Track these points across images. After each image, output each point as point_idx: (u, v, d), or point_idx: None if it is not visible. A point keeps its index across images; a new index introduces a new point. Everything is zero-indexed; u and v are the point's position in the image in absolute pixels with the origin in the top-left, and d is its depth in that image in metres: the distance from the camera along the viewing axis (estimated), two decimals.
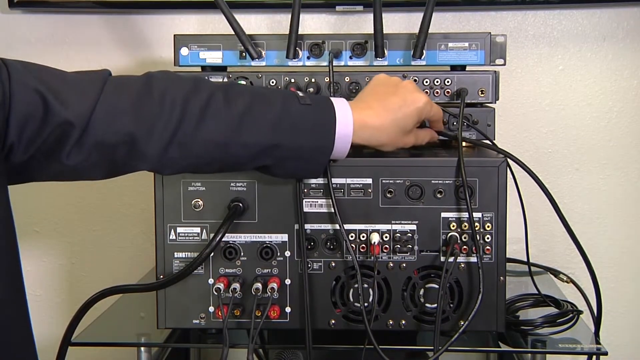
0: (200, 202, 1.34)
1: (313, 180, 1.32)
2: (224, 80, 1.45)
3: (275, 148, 1.24)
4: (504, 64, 1.46)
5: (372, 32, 1.43)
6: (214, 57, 1.47)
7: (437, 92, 1.43)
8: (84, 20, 1.93)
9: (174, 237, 1.35)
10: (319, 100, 1.29)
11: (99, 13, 1.93)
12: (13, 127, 1.15)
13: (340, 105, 1.27)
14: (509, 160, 1.31)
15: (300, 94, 1.29)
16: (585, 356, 1.42)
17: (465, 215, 1.31)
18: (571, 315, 1.46)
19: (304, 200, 1.32)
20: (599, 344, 1.38)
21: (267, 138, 1.24)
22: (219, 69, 1.48)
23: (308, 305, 1.32)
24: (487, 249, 1.32)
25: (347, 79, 1.44)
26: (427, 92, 1.42)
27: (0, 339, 1.14)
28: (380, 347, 1.24)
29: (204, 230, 1.35)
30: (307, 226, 1.34)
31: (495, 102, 1.44)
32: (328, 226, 1.34)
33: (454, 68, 1.46)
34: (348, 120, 1.26)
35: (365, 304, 1.31)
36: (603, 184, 1.91)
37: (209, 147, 1.24)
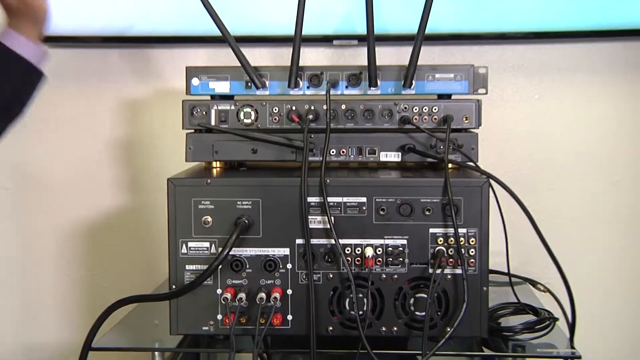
0: (210, 219, 1.33)
1: (312, 200, 1.31)
2: (231, 107, 1.45)
3: None
4: (486, 93, 1.45)
5: (366, 64, 1.43)
6: (222, 87, 1.47)
7: (426, 119, 1.43)
8: (103, 54, 1.94)
9: (186, 251, 1.35)
10: None
11: (118, 47, 1.93)
12: None
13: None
14: (490, 180, 1.31)
15: None
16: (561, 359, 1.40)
17: (451, 230, 1.30)
18: (548, 322, 1.45)
19: (307, 216, 1.31)
20: (574, 348, 1.38)
21: None
22: (227, 97, 1.47)
23: (314, 313, 1.31)
24: (472, 262, 1.31)
25: (343, 107, 1.44)
26: (416, 119, 1.42)
27: None
28: (373, 351, 1.24)
29: (213, 245, 1.34)
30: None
31: (478, 128, 1.44)
32: (326, 241, 1.33)
33: (440, 97, 1.46)
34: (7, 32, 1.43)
35: (360, 312, 1.31)
36: (576, 202, 1.92)
37: None
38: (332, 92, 1.43)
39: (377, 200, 1.32)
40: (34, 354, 1.99)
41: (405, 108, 1.43)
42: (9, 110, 1.42)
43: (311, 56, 1.81)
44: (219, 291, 1.34)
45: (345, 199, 1.32)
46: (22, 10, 1.42)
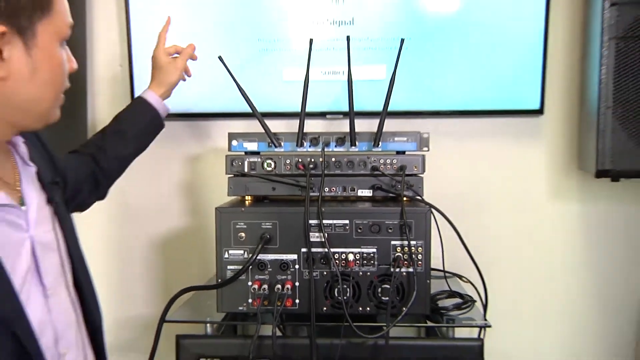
0: (243, 235, 1.33)
1: (313, 222, 1.31)
2: (258, 160, 1.43)
3: (136, 123, 1.42)
4: (428, 150, 1.44)
5: (348, 131, 1.43)
6: (252, 146, 1.46)
7: (388, 167, 1.41)
8: (176, 124, 1.91)
9: (227, 256, 1.33)
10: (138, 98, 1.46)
11: (184, 120, 1.91)
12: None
13: (145, 91, 1.45)
14: (432, 209, 1.32)
15: None
16: (478, 328, 1.39)
17: (406, 242, 1.30)
18: (469, 303, 1.46)
19: (309, 233, 1.31)
20: (486, 320, 1.38)
21: (127, 123, 1.41)
22: (255, 153, 1.45)
23: (314, 298, 1.30)
24: (419, 263, 1.30)
25: (333, 159, 1.42)
26: (382, 167, 1.41)
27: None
28: (354, 324, 1.23)
29: (245, 252, 1.33)
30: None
31: (423, 173, 1.42)
32: (322, 249, 1.31)
33: (398, 152, 1.44)
34: (149, 94, 1.44)
35: (344, 298, 1.30)
36: (491, 222, 1.88)
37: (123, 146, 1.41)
38: (325, 149, 1.44)
39: (356, 222, 1.31)
40: (127, 323, 1.95)
41: (375, 160, 1.41)
42: (138, 140, 1.42)
43: (312, 125, 1.78)
44: (249, 283, 1.32)
45: (334, 221, 1.31)
46: (166, 78, 1.46)
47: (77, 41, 1.83)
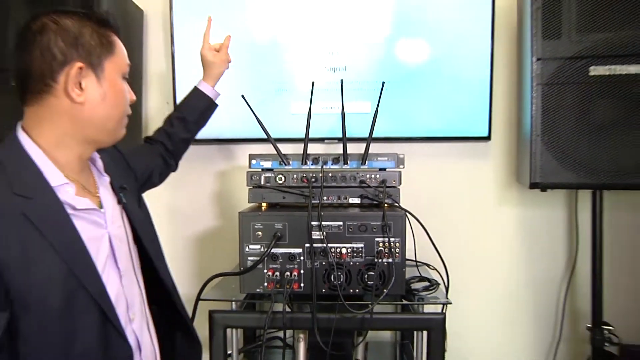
0: (260, 233, 1.31)
1: (314, 223, 1.29)
2: (272, 175, 1.42)
3: (194, 108, 1.40)
4: (404, 167, 1.43)
5: (342, 152, 1.43)
6: (267, 164, 1.44)
7: (373, 180, 1.40)
8: (209, 147, 1.91)
9: (248, 250, 1.32)
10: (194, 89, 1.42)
11: (215, 144, 1.90)
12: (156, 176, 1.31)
13: (200, 83, 1.41)
14: (407, 213, 1.31)
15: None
16: (441, 305, 1.37)
17: (386, 239, 1.28)
18: (435, 286, 1.44)
19: (311, 232, 1.29)
20: (447, 298, 1.37)
21: (188, 110, 1.40)
22: (269, 170, 1.44)
23: (315, 283, 1.29)
24: (397, 255, 1.28)
25: (330, 174, 1.40)
26: (368, 181, 1.39)
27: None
28: (346, 302, 1.22)
29: (262, 246, 1.31)
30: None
31: (400, 185, 1.40)
32: (321, 245, 1.29)
33: (380, 169, 1.43)
34: (202, 85, 1.40)
35: (339, 282, 1.28)
36: (454, 222, 1.87)
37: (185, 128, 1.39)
38: (324, 167, 1.42)
39: (347, 223, 1.30)
40: None
41: (362, 175, 1.40)
42: (197, 124, 1.41)
43: (313, 148, 1.76)
44: (265, 271, 1.31)
45: (331, 223, 1.30)
46: (215, 71, 1.42)
47: (135, 80, 1.85)
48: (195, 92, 1.40)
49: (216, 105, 1.44)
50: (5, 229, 0.82)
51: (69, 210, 0.89)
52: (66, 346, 0.86)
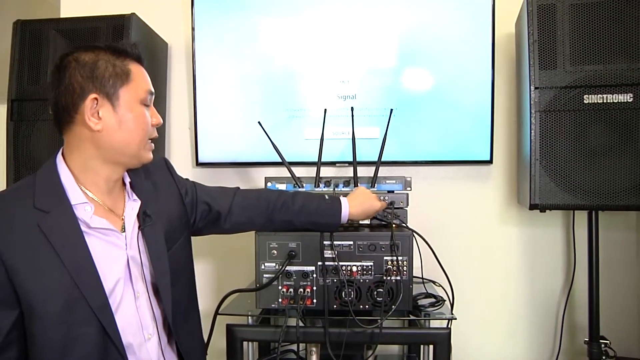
0: (275, 252, 1.31)
1: (326, 242, 1.29)
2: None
3: (314, 223, 1.26)
4: (411, 190, 1.44)
5: (353, 175, 1.44)
6: (282, 186, 1.46)
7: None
8: (226, 170, 1.93)
9: (264, 267, 1.32)
10: (335, 200, 1.30)
11: (232, 167, 1.91)
12: (197, 215, 1.15)
13: (343, 202, 1.28)
14: (414, 233, 1.31)
15: (327, 197, 1.30)
16: (447, 321, 1.36)
17: (394, 258, 1.28)
18: (441, 302, 1.43)
19: (324, 251, 1.30)
20: (452, 314, 1.36)
21: (310, 218, 1.25)
22: None
23: (327, 299, 1.29)
24: (404, 272, 1.29)
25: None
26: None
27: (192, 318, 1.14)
28: (356, 317, 1.22)
29: (277, 264, 1.32)
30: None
31: (407, 207, 1.42)
32: (333, 263, 1.30)
33: (389, 192, 1.44)
34: (345, 210, 1.27)
35: (350, 298, 1.28)
36: (459, 241, 1.88)
37: (283, 223, 1.26)
38: (335, 189, 1.44)
39: (358, 242, 1.30)
40: None
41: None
42: (316, 225, 1.28)
43: (325, 171, 1.79)
44: (279, 287, 1.32)
45: (342, 242, 1.30)
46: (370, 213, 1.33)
47: (161, 105, 1.91)
48: (334, 207, 1.26)
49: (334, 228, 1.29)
50: (20, 239, 0.88)
51: (83, 227, 0.93)
52: (65, 352, 0.89)
